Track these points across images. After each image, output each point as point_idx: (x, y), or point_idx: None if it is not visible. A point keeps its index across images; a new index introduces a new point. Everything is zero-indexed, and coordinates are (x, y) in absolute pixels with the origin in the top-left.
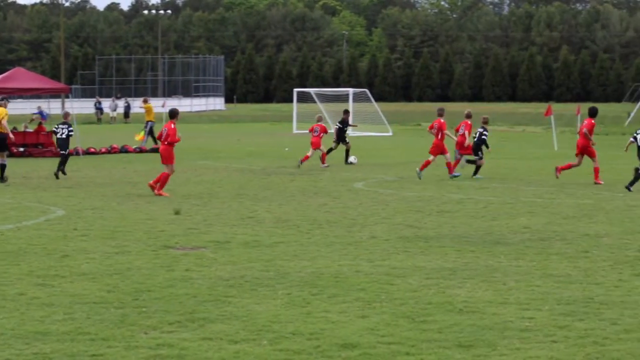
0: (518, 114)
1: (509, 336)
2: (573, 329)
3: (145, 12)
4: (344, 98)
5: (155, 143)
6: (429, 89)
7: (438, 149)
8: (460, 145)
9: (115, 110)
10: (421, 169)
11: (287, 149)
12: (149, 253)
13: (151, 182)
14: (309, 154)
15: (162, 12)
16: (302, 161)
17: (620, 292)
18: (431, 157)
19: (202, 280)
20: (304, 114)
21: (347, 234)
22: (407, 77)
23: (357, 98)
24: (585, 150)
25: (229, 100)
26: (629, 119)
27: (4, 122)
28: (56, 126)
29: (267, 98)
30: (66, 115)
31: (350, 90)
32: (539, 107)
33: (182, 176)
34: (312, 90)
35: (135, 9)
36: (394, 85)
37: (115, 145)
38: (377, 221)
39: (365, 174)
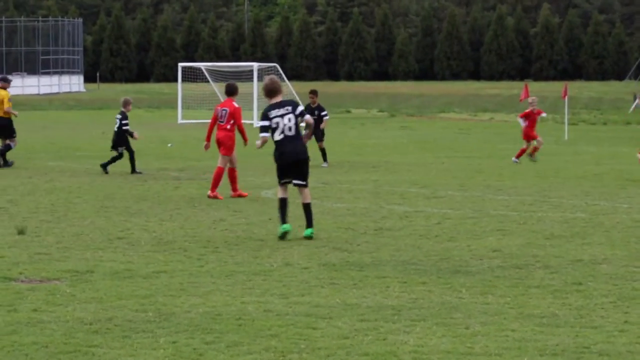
0: (483, 97)
1: None
2: None
3: None
4: (246, 76)
5: None
6: (362, 64)
7: None
8: None
9: None
10: None
11: (170, 144)
12: None
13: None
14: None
15: None
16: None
17: (627, 338)
18: None
19: (56, 324)
20: (192, 97)
21: (252, 260)
22: (331, 47)
23: (265, 76)
24: None
25: (90, 79)
26: (635, 103)
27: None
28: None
29: (141, 76)
30: (126, 103)
31: (255, 65)
32: (512, 88)
33: (27, 183)
34: (202, 65)
35: None
36: (314, 58)
37: None
38: (293, 243)
39: (276, 178)
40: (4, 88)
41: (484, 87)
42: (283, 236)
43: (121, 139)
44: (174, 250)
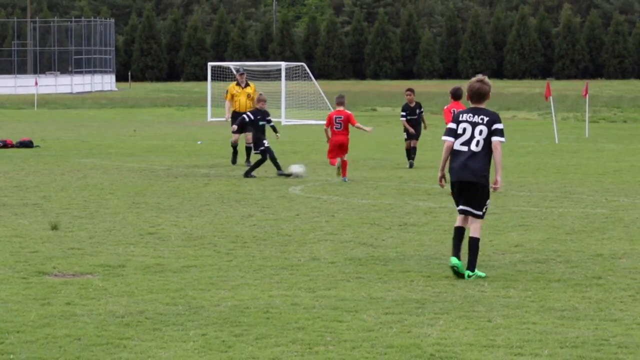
0: (506, 95)
1: None
2: None
3: None
4: (274, 75)
5: None
6: (387, 63)
7: None
8: None
9: None
10: None
11: (200, 142)
12: (17, 281)
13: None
14: None
15: None
16: None
17: None
18: None
19: (89, 317)
20: (221, 96)
21: (280, 255)
22: (357, 46)
23: (292, 75)
24: None
25: (121, 78)
26: None
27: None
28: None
29: (172, 75)
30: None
31: (283, 65)
32: (534, 86)
33: (60, 179)
34: (231, 65)
35: None
36: (341, 57)
37: None
38: (320, 238)
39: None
40: (239, 83)
41: (506, 86)
42: (453, 269)
43: (262, 138)
44: (204, 246)
